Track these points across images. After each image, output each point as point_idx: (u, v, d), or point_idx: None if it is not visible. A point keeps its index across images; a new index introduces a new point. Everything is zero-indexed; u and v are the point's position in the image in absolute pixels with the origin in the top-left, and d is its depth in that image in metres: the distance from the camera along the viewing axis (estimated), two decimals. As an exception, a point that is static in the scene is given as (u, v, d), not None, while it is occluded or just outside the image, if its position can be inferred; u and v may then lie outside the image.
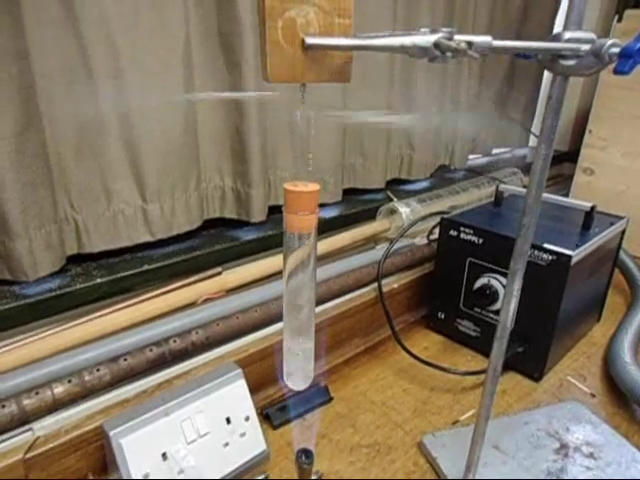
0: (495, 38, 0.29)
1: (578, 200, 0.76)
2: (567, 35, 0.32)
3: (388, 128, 0.95)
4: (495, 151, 1.40)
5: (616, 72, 0.29)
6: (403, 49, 0.28)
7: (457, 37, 0.28)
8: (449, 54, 0.28)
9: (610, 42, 0.30)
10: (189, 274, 0.67)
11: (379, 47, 0.28)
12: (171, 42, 0.62)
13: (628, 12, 1.01)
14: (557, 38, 0.32)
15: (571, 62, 0.32)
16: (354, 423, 0.61)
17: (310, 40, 0.27)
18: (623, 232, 0.79)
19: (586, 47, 0.31)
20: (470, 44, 0.29)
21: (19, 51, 0.50)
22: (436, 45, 0.28)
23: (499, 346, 0.43)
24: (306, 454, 0.40)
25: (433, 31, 0.28)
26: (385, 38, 0.28)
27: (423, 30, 0.29)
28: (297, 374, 0.36)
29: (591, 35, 0.31)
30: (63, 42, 0.54)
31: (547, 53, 0.33)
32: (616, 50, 0.29)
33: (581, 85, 1.38)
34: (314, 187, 0.31)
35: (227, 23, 0.65)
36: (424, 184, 1.09)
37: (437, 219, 0.78)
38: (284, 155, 0.79)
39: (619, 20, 1.02)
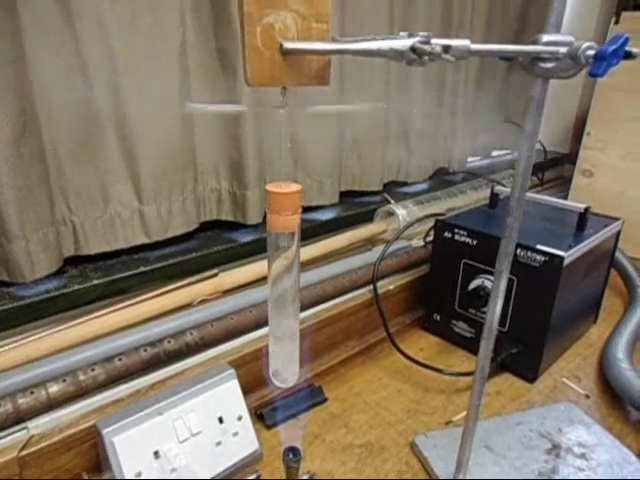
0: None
1: (572, 202, 0.76)
2: (545, 38, 0.32)
3: (386, 130, 0.96)
4: (495, 153, 1.40)
5: (591, 75, 0.29)
6: (380, 53, 0.29)
7: (434, 41, 0.29)
8: (426, 58, 0.29)
9: (586, 45, 0.30)
10: (185, 276, 0.68)
11: (356, 51, 0.28)
12: (167, 45, 0.63)
13: (625, 14, 1.01)
14: (536, 41, 0.33)
15: (550, 65, 0.33)
16: (347, 423, 0.62)
17: (288, 45, 0.28)
18: (618, 233, 0.79)
19: (564, 50, 0.32)
20: (447, 48, 0.29)
21: (17, 56, 0.51)
22: (413, 49, 0.28)
23: (486, 346, 0.44)
24: (293, 452, 0.40)
25: (410, 35, 0.29)
26: (363, 42, 0.28)
27: (401, 34, 0.29)
28: (283, 372, 0.37)
29: (569, 38, 0.32)
30: (60, 47, 0.55)
31: (526, 56, 0.33)
32: (592, 53, 0.30)
33: (581, 87, 1.38)
34: (296, 187, 0.31)
35: (222, 26, 0.66)
36: (422, 186, 1.09)
37: (434, 221, 0.78)
38: (280, 157, 0.79)
39: (616, 22, 1.02)
